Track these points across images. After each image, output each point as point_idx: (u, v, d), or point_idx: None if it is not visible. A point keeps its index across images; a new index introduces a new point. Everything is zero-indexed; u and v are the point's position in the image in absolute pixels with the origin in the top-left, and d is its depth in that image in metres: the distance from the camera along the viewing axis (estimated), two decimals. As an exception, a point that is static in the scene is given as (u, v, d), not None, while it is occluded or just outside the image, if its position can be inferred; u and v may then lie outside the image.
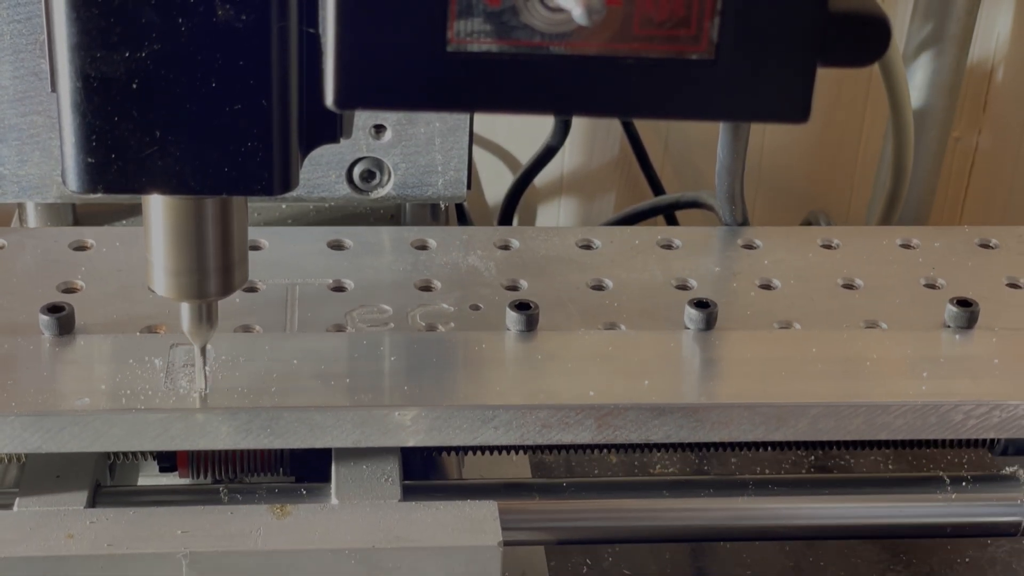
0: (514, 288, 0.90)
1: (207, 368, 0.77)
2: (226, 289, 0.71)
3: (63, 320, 0.81)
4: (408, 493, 0.80)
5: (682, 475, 1.11)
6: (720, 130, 0.96)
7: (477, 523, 0.78)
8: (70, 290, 0.87)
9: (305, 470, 0.85)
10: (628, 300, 0.89)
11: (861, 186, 1.53)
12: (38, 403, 0.75)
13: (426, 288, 0.89)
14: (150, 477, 0.91)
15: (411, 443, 0.78)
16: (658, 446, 0.84)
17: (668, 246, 0.95)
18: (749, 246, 0.96)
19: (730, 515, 0.86)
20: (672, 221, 1.44)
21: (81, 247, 0.91)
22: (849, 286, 0.92)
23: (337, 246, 0.93)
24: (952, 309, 0.86)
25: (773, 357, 0.83)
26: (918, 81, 1.28)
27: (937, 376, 0.82)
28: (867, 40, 0.59)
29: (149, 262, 0.70)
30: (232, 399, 0.77)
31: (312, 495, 0.80)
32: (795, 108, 0.59)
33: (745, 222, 1.01)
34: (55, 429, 0.75)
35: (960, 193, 1.56)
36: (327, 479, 0.81)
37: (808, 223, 1.30)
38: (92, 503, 0.79)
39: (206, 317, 0.74)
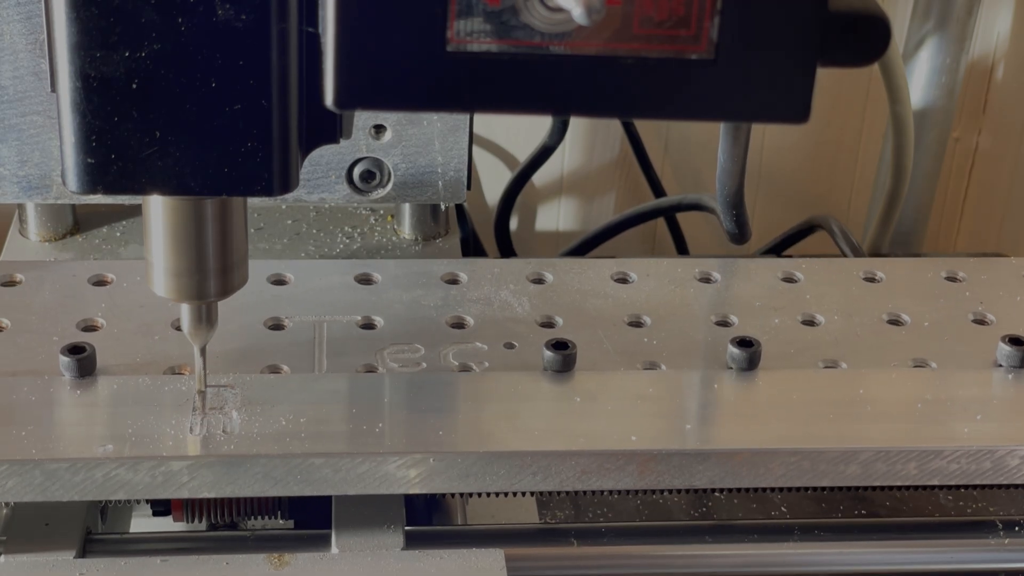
0: (549, 325, 0.87)
1: (206, 372, 0.76)
2: (226, 290, 0.71)
3: (84, 362, 0.78)
4: (411, 540, 0.78)
5: (690, 507, 1.09)
6: (720, 133, 0.95)
7: (483, 572, 0.75)
8: (90, 328, 0.84)
9: (304, 513, 0.84)
10: (667, 337, 0.86)
11: (861, 186, 1.52)
12: (60, 450, 0.73)
13: (458, 325, 0.86)
14: (144, 518, 0.89)
15: (446, 490, 0.75)
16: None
17: (707, 279, 0.93)
18: (790, 279, 0.93)
19: (751, 561, 0.83)
20: (673, 223, 1.43)
21: (101, 282, 0.88)
22: (895, 322, 0.89)
23: (365, 280, 0.90)
24: (1005, 348, 0.84)
25: (820, 399, 0.80)
26: (918, 81, 1.28)
27: (991, 419, 0.79)
28: (867, 40, 0.59)
29: (149, 263, 0.70)
30: (262, 445, 0.74)
31: (311, 543, 0.78)
32: (795, 108, 0.59)
33: (745, 225, 0.99)
34: (78, 478, 0.72)
35: (960, 193, 1.55)
36: (327, 523, 0.78)
37: (812, 225, 1.27)
38: (82, 552, 0.77)
39: (206, 318, 0.73)
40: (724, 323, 0.88)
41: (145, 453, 0.73)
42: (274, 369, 0.81)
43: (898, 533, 0.84)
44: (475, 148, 1.46)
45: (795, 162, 1.52)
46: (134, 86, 0.60)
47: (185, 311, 0.73)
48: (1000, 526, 0.84)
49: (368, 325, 0.86)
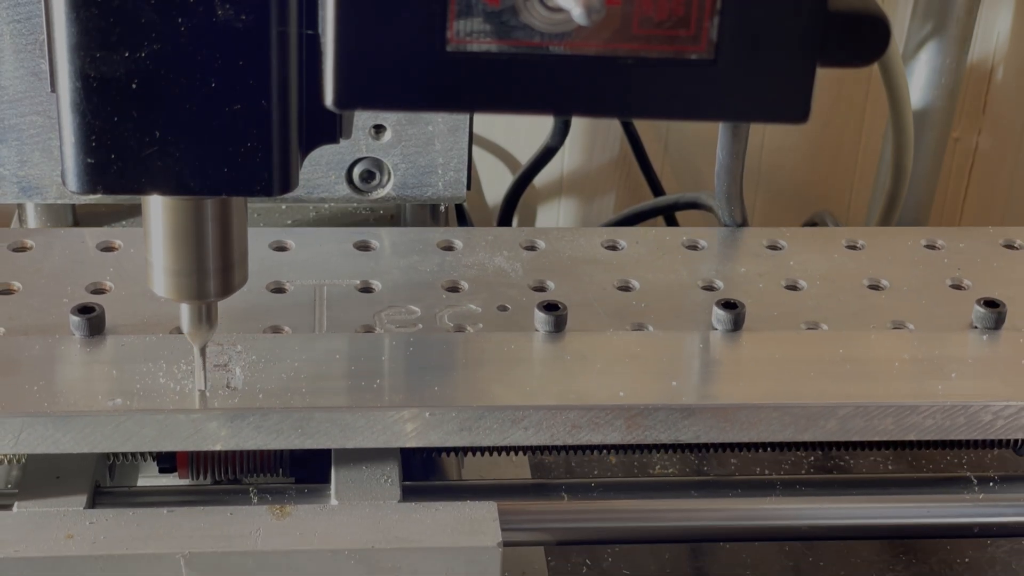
0: (541, 289, 0.90)
1: (206, 369, 0.77)
2: (226, 290, 0.71)
3: (94, 321, 0.81)
4: (408, 494, 0.80)
5: (683, 475, 1.11)
6: (719, 131, 0.96)
7: (477, 524, 0.78)
8: (99, 291, 0.87)
9: (305, 471, 0.85)
10: (655, 301, 0.89)
11: (861, 186, 1.53)
12: (70, 403, 0.76)
13: (453, 289, 0.89)
14: (150, 478, 0.91)
15: (440, 444, 0.78)
16: (657, 446, 0.84)
17: (694, 247, 0.96)
18: (774, 247, 0.96)
19: (737, 515, 0.86)
20: (672, 222, 1.44)
21: (109, 248, 0.91)
22: (875, 287, 0.92)
23: (364, 247, 0.93)
24: (979, 310, 0.87)
25: (801, 358, 0.83)
26: (918, 81, 1.28)
27: (965, 376, 0.82)
28: (867, 40, 0.59)
29: (149, 263, 0.70)
30: (263, 400, 0.77)
31: (312, 496, 0.80)
32: (795, 108, 0.59)
33: (744, 223, 1.01)
34: (88, 430, 0.75)
35: (960, 193, 1.56)
36: (327, 480, 0.81)
37: (813, 224, 1.30)
38: (92, 504, 0.79)
39: (206, 318, 0.74)
40: (710, 287, 0.91)
41: (152, 406, 0.76)
42: (276, 329, 0.84)
43: (874, 489, 0.87)
44: (476, 149, 1.48)
45: (795, 162, 1.53)
46: (134, 86, 0.60)
47: (185, 311, 0.74)
48: (974, 481, 0.87)
49: (367, 289, 0.89)
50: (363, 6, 0.57)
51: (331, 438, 0.77)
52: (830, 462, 1.13)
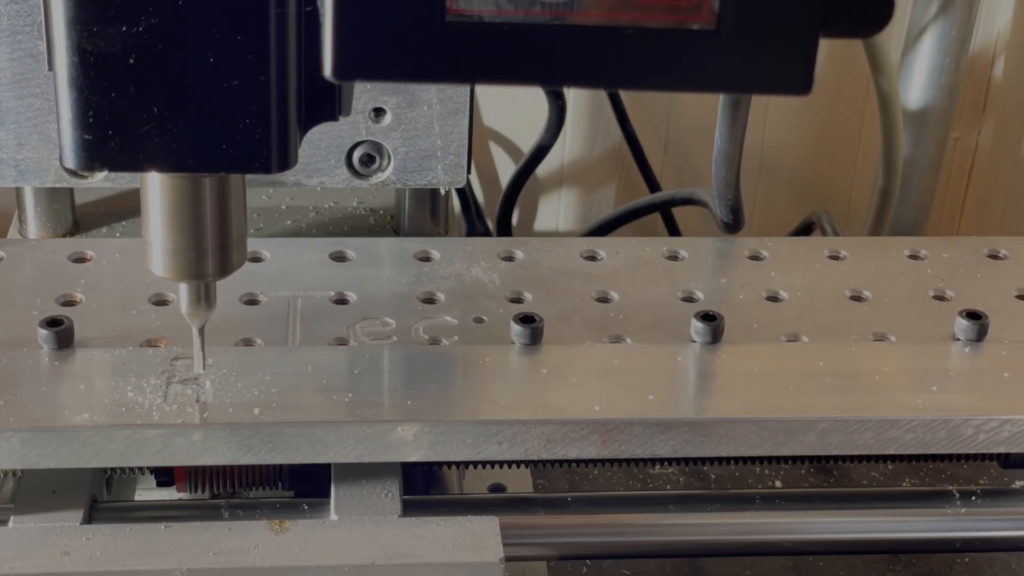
0: (518, 300, 0.89)
1: (205, 352, 0.77)
2: (224, 269, 0.71)
3: (62, 334, 0.80)
4: (408, 508, 0.79)
5: (684, 481, 1.11)
6: (718, 115, 0.96)
7: (478, 539, 0.77)
8: (69, 303, 0.86)
9: (304, 485, 0.85)
10: (634, 313, 0.88)
11: (861, 183, 1.53)
12: (36, 418, 0.74)
13: (429, 301, 0.88)
14: (148, 491, 0.90)
15: (414, 458, 0.77)
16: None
17: (674, 257, 0.95)
18: (755, 257, 0.95)
19: (734, 530, 0.85)
20: (669, 217, 1.44)
21: (81, 259, 0.90)
22: (857, 298, 0.91)
23: (339, 257, 0.92)
24: (962, 322, 0.85)
25: (780, 371, 0.82)
26: (918, 80, 1.28)
27: (947, 390, 0.81)
28: (870, 10, 0.58)
29: (147, 242, 0.69)
30: (233, 414, 0.76)
31: (311, 511, 0.79)
32: (797, 80, 0.58)
33: (740, 211, 1.00)
34: (53, 445, 0.74)
35: (960, 193, 1.56)
36: (327, 494, 0.80)
37: (810, 223, 1.29)
38: (88, 519, 0.78)
39: (204, 297, 0.73)
40: (690, 299, 0.90)
41: (120, 422, 0.75)
42: (248, 342, 0.83)
43: (855, 503, 0.86)
44: (491, 141, 1.48)
45: (795, 158, 1.52)
46: (131, 61, 0.59)
47: (183, 291, 0.73)
48: (957, 495, 0.86)
49: (341, 300, 0.88)
50: None
51: (302, 453, 0.76)
52: (829, 464, 1.12)
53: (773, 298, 0.91)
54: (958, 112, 1.40)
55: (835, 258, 0.95)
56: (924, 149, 1.30)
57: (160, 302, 0.86)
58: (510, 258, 0.93)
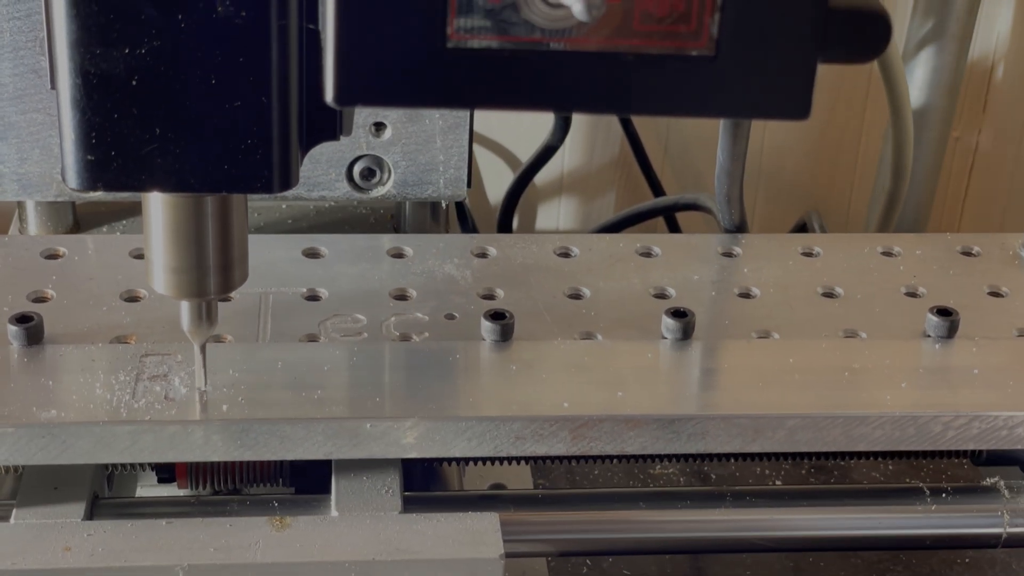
0: (490, 297, 0.89)
1: (207, 369, 0.77)
2: (226, 287, 0.71)
3: (31, 330, 0.80)
4: (409, 505, 0.79)
5: (685, 481, 1.11)
6: (720, 132, 0.96)
7: (479, 535, 0.77)
8: (40, 299, 0.86)
9: (305, 481, 0.85)
10: (605, 309, 0.88)
11: (861, 186, 1.53)
12: (4, 415, 0.74)
13: (401, 297, 0.88)
14: (149, 487, 0.90)
15: (381, 455, 0.77)
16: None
17: (647, 254, 0.95)
18: (728, 254, 0.95)
19: (707, 527, 0.85)
20: (672, 222, 1.44)
21: (53, 255, 0.90)
22: (829, 294, 0.91)
23: (312, 254, 0.92)
24: (932, 319, 0.86)
25: (750, 367, 0.82)
26: (918, 80, 1.28)
27: (916, 387, 0.81)
28: (867, 37, 0.59)
29: (148, 260, 0.70)
30: (202, 411, 0.76)
31: (312, 507, 0.79)
32: (795, 105, 0.59)
33: (743, 224, 1.00)
34: (22, 442, 0.74)
35: (960, 193, 1.56)
36: (327, 490, 0.80)
37: (803, 223, 1.29)
38: (90, 515, 0.78)
39: (206, 315, 0.74)
40: (662, 295, 0.90)
41: (87, 419, 0.75)
42: (218, 338, 0.83)
43: (825, 500, 0.86)
44: (477, 147, 1.47)
45: (795, 162, 1.52)
46: (134, 83, 0.60)
47: (185, 308, 0.73)
48: (927, 493, 0.86)
49: (313, 297, 0.88)
50: (364, 2, 0.57)
51: (270, 449, 0.76)
52: (830, 462, 1.12)
53: (745, 295, 0.91)
54: (958, 112, 1.40)
55: (808, 255, 0.96)
56: (924, 149, 1.30)
57: (131, 299, 0.86)
58: (483, 255, 0.93)
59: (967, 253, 0.96)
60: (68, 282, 0.87)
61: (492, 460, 0.84)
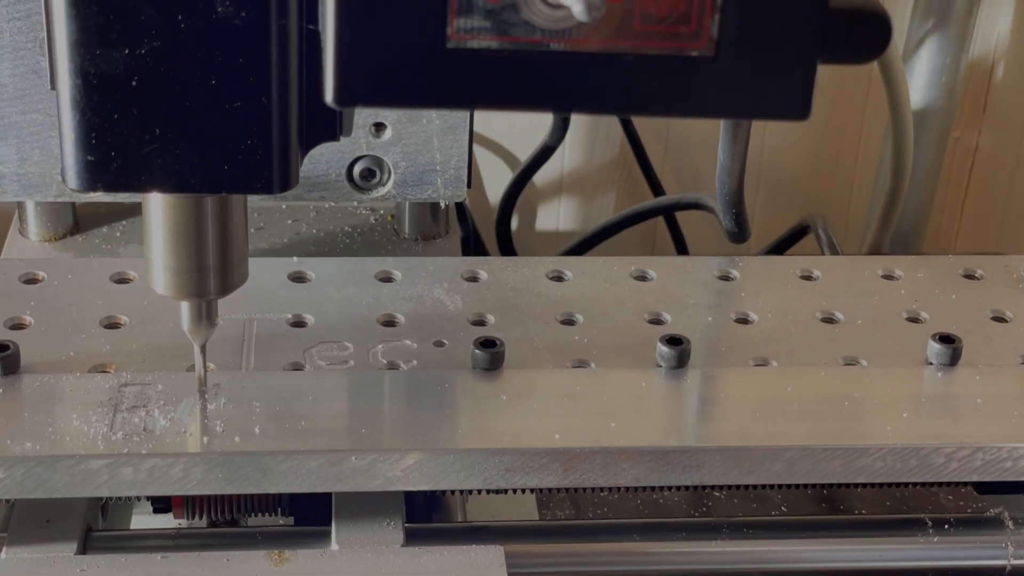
0: (480, 323, 0.87)
1: (207, 370, 0.76)
2: (225, 288, 0.71)
3: (7, 360, 0.78)
4: (411, 537, 0.78)
5: (685, 501, 1.11)
6: (720, 132, 0.95)
7: (483, 569, 0.76)
8: (18, 326, 0.84)
9: (304, 510, 0.84)
10: (599, 335, 0.86)
11: (861, 186, 1.52)
12: (-22, 448, 0.72)
13: (389, 323, 0.86)
14: (144, 516, 0.88)
15: (368, 488, 0.75)
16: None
17: (643, 277, 0.92)
18: (725, 277, 0.93)
19: (710, 559, 0.84)
20: (672, 222, 1.43)
21: (32, 280, 0.88)
22: (829, 320, 0.89)
23: (299, 278, 0.90)
24: (935, 346, 0.83)
25: (747, 396, 0.80)
26: (918, 81, 1.28)
27: (918, 416, 0.79)
28: (867, 37, 0.59)
29: (148, 260, 0.70)
30: (181, 444, 0.73)
31: (311, 540, 0.78)
32: (795, 105, 0.59)
33: (744, 224, 0.99)
34: (-4, 475, 0.72)
35: (960, 193, 1.55)
36: (327, 520, 0.78)
37: (805, 226, 1.27)
38: (83, 548, 0.76)
39: (205, 316, 0.73)
40: (657, 321, 0.88)
41: (63, 452, 0.72)
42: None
43: (826, 531, 0.84)
44: (477, 147, 1.46)
45: (795, 162, 1.52)
46: (134, 83, 0.60)
47: (185, 309, 0.73)
48: (929, 524, 0.84)
49: (299, 323, 0.86)
50: (364, 3, 0.56)
51: (252, 483, 0.74)
52: (836, 491, 1.11)
53: (743, 320, 0.89)
54: (958, 112, 1.40)
55: (807, 278, 0.93)
56: (924, 149, 1.30)
57: (111, 325, 0.84)
58: (474, 278, 0.91)
59: (970, 276, 0.94)
60: (47, 308, 0.85)
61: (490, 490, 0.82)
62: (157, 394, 0.77)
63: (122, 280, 0.89)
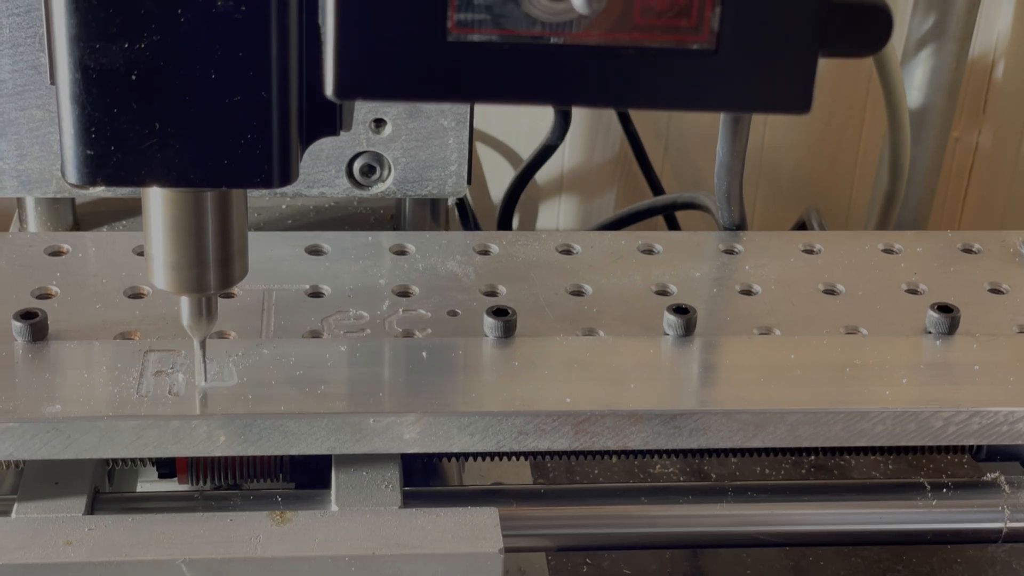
0: (492, 294, 0.89)
1: (206, 365, 0.77)
2: (225, 282, 0.71)
3: (36, 327, 0.80)
4: (409, 499, 0.80)
5: (683, 475, 1.11)
6: (720, 129, 0.96)
7: (478, 530, 0.77)
8: (44, 296, 0.86)
9: (305, 476, 0.85)
10: (607, 306, 0.88)
11: (861, 186, 1.53)
12: (9, 410, 0.75)
13: (404, 294, 0.88)
14: (149, 483, 0.90)
15: (384, 450, 0.77)
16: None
17: (649, 251, 0.95)
18: (730, 251, 0.95)
19: (707, 522, 0.85)
20: (671, 220, 1.44)
21: (56, 252, 0.90)
22: (830, 291, 0.91)
23: (315, 251, 0.93)
24: (933, 315, 0.86)
25: (752, 363, 0.83)
26: (918, 80, 1.28)
27: (917, 383, 0.82)
28: (868, 30, 0.59)
29: (148, 255, 0.70)
30: (206, 406, 0.76)
31: (312, 502, 0.80)
32: (796, 99, 0.59)
33: (743, 222, 1.00)
34: (27, 436, 0.74)
35: (960, 193, 1.56)
36: (327, 485, 0.80)
37: (802, 221, 1.29)
38: (91, 510, 0.78)
39: (206, 311, 0.74)
40: (663, 292, 0.90)
41: (92, 414, 0.75)
42: (221, 334, 0.83)
43: (826, 495, 0.86)
44: (479, 145, 1.48)
45: (796, 159, 1.53)
46: (133, 77, 0.60)
47: (185, 304, 0.73)
48: (928, 487, 0.86)
49: (316, 293, 0.88)
50: None
51: (273, 444, 0.76)
52: (830, 461, 1.12)
53: (747, 291, 0.91)
54: (958, 112, 1.40)
55: (809, 252, 0.96)
56: (924, 149, 1.30)
57: (135, 295, 0.87)
58: (485, 252, 0.94)
59: (968, 250, 0.97)
60: (72, 279, 0.88)
61: (492, 457, 0.84)
62: (181, 360, 0.79)
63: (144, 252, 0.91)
